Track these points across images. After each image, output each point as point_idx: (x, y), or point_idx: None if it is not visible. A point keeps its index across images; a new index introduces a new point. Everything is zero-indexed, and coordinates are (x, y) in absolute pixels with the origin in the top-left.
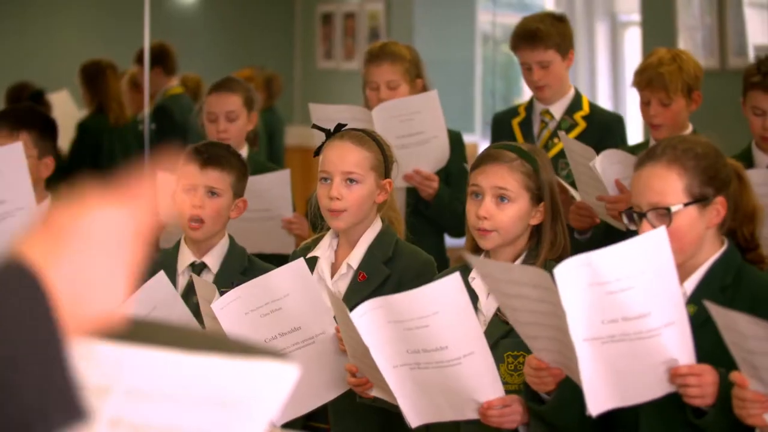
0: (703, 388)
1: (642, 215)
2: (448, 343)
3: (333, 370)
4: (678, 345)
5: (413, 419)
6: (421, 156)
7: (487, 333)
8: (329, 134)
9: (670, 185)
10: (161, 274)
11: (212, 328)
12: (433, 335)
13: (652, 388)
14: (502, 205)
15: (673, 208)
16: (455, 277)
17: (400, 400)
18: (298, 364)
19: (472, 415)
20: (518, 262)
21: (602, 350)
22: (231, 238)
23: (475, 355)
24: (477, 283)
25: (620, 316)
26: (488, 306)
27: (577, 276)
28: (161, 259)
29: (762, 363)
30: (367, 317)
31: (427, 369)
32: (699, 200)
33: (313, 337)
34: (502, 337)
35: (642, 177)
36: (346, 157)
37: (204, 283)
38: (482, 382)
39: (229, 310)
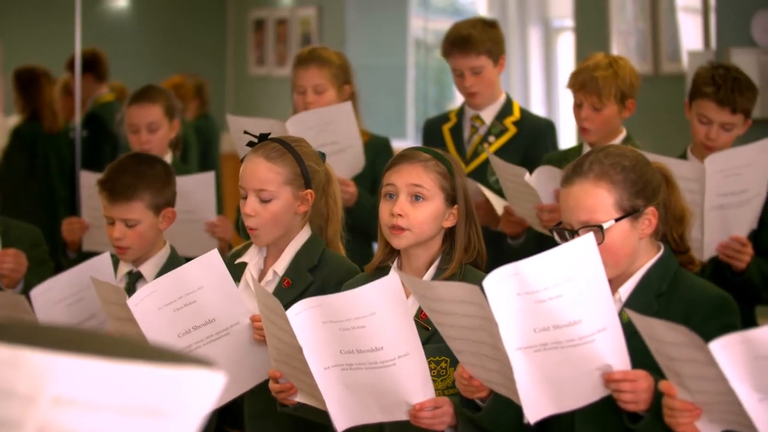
0: (636, 394)
1: (573, 232)
2: (384, 344)
3: (248, 360)
4: (611, 350)
5: (341, 423)
6: (337, 165)
7: None
8: (252, 144)
9: (599, 202)
10: (106, 255)
11: (116, 329)
12: (369, 336)
13: (587, 394)
14: (416, 204)
15: (605, 225)
16: (393, 278)
17: (329, 403)
18: (214, 358)
19: (402, 416)
20: (433, 266)
21: (535, 358)
22: (172, 248)
23: (410, 357)
24: None
25: (551, 324)
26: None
27: (505, 286)
28: None
29: (684, 370)
30: (303, 315)
31: (359, 370)
32: (630, 213)
33: (227, 329)
34: (424, 343)
35: (571, 194)
36: (256, 174)
37: (104, 284)
38: (415, 383)
39: (144, 305)
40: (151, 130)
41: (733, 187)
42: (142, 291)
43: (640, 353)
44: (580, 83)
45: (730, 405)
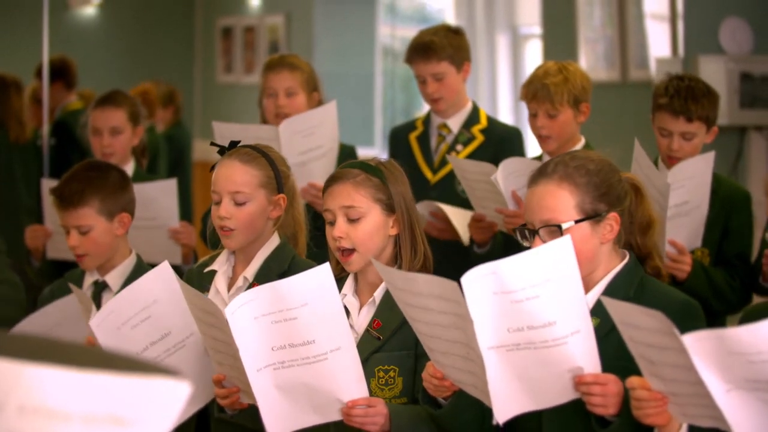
0: (606, 397)
1: (534, 232)
2: (316, 336)
3: (204, 372)
4: (584, 353)
5: (274, 430)
6: (318, 169)
7: (359, 348)
8: (223, 151)
9: (561, 202)
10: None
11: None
12: (302, 328)
13: (557, 394)
14: (354, 224)
15: (564, 225)
16: (325, 268)
17: (262, 409)
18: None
19: (336, 416)
20: None
21: (508, 357)
22: (138, 257)
23: (342, 351)
24: (349, 300)
25: (526, 325)
26: (360, 322)
27: (483, 284)
28: (69, 277)
29: (659, 357)
30: (239, 313)
31: (291, 367)
32: (591, 217)
33: (183, 341)
34: (374, 352)
35: (534, 194)
36: (232, 177)
37: (83, 295)
38: (347, 379)
39: (105, 326)
40: (113, 134)
41: (675, 199)
42: (102, 312)
43: (608, 357)
44: (532, 93)
45: (703, 398)
